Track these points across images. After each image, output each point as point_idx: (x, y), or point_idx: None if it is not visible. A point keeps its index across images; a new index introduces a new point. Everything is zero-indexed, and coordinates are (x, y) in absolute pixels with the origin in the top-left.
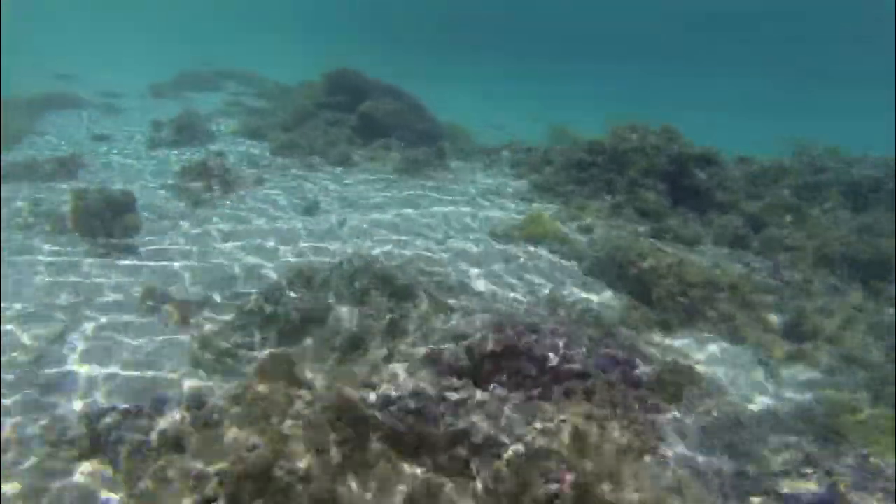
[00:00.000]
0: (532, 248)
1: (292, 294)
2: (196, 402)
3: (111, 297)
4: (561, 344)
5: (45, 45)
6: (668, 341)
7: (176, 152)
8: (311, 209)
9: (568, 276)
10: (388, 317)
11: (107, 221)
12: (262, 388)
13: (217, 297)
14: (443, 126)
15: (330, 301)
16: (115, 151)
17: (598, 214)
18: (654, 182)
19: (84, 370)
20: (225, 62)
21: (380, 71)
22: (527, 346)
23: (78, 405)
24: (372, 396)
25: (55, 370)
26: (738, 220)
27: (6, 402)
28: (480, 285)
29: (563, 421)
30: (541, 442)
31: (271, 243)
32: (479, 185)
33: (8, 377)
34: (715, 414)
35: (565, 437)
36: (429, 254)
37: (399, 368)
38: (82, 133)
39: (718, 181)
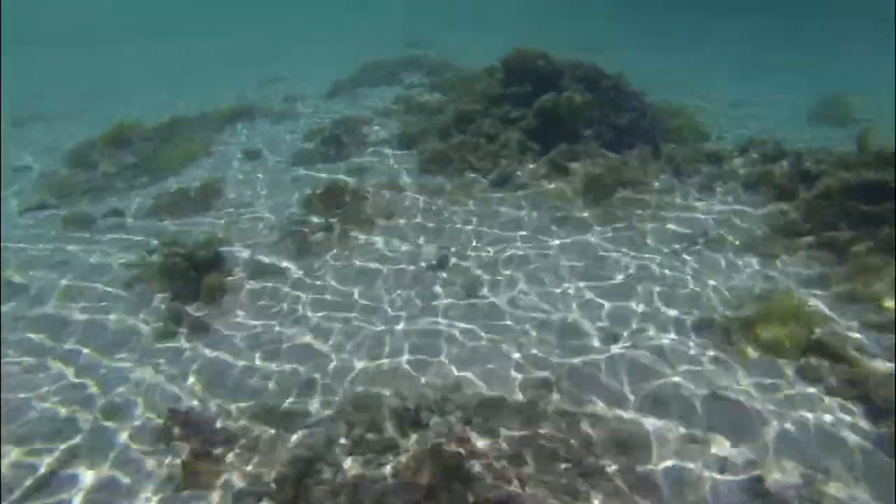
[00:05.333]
0: (772, 366)
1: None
2: None
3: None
4: None
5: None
6: None
7: (319, 168)
8: (440, 266)
9: (853, 457)
10: None
11: (191, 282)
12: None
13: (255, 430)
14: (656, 112)
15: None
16: (256, 173)
17: None
18: None
19: None
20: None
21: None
22: None
23: None
24: None
25: None
26: None
27: None
28: (655, 460)
29: None
30: None
31: (372, 326)
32: (691, 219)
33: None
34: None
35: None
36: (588, 368)
37: None
38: (240, 150)
39: None
